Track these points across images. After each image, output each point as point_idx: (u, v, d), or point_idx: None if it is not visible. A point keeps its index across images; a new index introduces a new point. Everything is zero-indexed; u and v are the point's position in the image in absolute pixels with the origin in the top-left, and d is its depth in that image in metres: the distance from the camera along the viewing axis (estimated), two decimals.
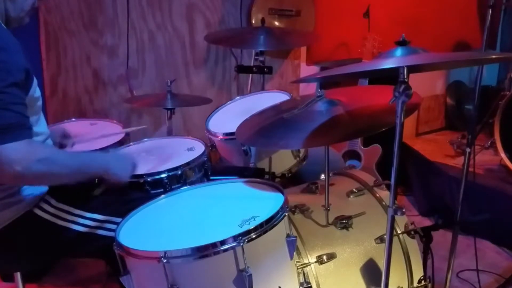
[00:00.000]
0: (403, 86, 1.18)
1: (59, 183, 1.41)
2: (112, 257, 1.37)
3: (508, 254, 2.60)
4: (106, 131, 2.10)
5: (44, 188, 1.48)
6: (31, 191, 1.44)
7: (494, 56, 1.47)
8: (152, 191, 1.66)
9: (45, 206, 1.47)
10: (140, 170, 1.65)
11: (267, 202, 1.41)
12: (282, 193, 1.45)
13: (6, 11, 1.41)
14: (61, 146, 1.79)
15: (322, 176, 1.70)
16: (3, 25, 1.38)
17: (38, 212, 1.46)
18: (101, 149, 1.88)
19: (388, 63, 1.22)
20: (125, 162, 1.55)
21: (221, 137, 1.99)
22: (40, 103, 1.46)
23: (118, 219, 1.46)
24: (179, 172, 1.69)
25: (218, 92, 3.17)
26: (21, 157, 1.23)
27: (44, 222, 1.46)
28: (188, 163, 1.72)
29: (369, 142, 3.02)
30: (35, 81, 1.39)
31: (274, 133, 1.54)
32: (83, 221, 1.49)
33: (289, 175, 2.06)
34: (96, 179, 1.69)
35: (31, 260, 1.54)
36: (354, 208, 1.66)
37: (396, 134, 1.23)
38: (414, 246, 1.64)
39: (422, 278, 1.64)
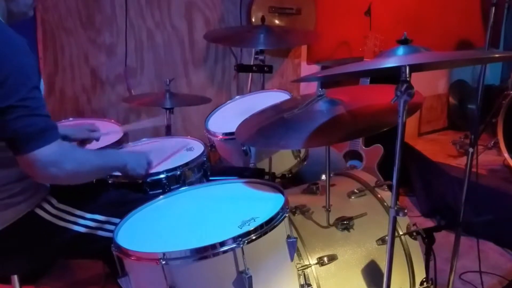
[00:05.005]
0: (405, 85, 1.17)
1: (86, 181, 1.44)
2: (111, 258, 1.36)
3: None
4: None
5: (45, 189, 1.47)
6: (32, 192, 1.43)
7: (497, 55, 1.45)
8: (151, 192, 1.65)
9: (47, 207, 1.46)
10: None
11: (267, 203, 1.40)
12: (283, 193, 1.44)
13: (8, 9, 1.39)
14: (85, 140, 1.79)
15: (323, 177, 1.69)
16: (6, 25, 1.35)
17: (40, 212, 1.44)
18: (100, 149, 1.86)
19: (390, 62, 1.21)
20: (141, 159, 1.59)
21: (221, 137, 1.98)
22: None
23: (118, 220, 1.45)
24: (178, 172, 1.68)
25: (217, 92, 3.15)
26: (55, 159, 1.27)
27: (45, 222, 1.45)
28: (187, 164, 1.72)
29: (371, 142, 3.01)
30: (41, 79, 1.38)
31: (274, 133, 1.53)
32: (84, 221, 1.49)
33: (290, 175, 2.05)
34: (94, 180, 1.69)
35: (30, 261, 1.52)
36: (355, 209, 1.65)
37: (398, 134, 1.22)
38: (416, 248, 1.64)
39: (424, 280, 1.63)
